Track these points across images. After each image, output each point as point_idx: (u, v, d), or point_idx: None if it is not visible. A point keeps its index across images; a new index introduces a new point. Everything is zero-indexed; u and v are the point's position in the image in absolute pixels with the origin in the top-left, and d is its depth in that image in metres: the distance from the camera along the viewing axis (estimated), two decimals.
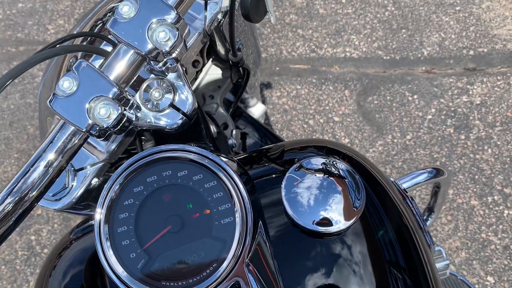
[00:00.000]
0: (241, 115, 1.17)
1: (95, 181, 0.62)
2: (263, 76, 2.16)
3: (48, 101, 0.43)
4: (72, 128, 0.45)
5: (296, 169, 0.50)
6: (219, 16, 0.63)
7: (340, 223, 0.46)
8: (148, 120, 0.54)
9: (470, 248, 1.60)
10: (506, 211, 1.66)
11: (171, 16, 0.45)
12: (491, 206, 1.68)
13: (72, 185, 0.61)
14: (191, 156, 0.45)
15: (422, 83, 2.10)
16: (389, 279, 0.48)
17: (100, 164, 0.62)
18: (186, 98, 0.55)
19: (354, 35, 2.32)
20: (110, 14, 0.75)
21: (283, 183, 0.50)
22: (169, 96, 0.54)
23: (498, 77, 2.13)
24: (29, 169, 0.43)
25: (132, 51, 0.46)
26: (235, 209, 0.43)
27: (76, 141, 0.45)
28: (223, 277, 0.41)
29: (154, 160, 0.45)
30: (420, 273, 0.51)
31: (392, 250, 0.50)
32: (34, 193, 0.43)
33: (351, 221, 0.46)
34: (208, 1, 0.60)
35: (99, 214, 0.43)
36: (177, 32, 0.46)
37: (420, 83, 2.09)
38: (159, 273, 0.42)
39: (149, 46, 0.46)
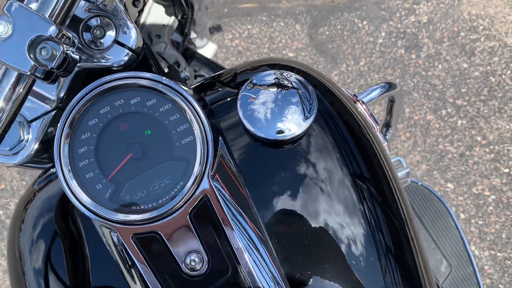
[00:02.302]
0: (194, 56, 1.14)
1: (51, 130, 0.61)
2: (213, 19, 2.11)
3: None
4: (16, 73, 0.43)
5: (249, 87, 0.51)
6: None
7: (295, 129, 0.47)
8: (95, 60, 0.52)
9: (430, 160, 1.68)
10: (459, 121, 1.75)
11: None
12: (445, 118, 1.76)
13: (28, 138, 0.60)
14: (142, 82, 0.45)
15: (370, 8, 2.11)
16: (347, 174, 0.50)
17: (53, 113, 0.61)
18: (129, 33, 0.53)
19: None
20: None
21: (238, 102, 0.50)
22: (112, 33, 0.52)
23: None
24: None
25: None
26: (194, 127, 0.44)
27: (22, 88, 0.44)
28: (190, 194, 0.42)
29: (105, 90, 0.45)
30: (379, 169, 0.54)
31: (350, 151, 0.52)
32: None
33: (306, 126, 0.47)
34: None
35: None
36: None
37: (368, 9, 2.10)
38: (128, 199, 0.42)
39: None
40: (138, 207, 0.42)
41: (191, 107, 0.45)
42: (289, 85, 0.50)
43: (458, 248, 1.02)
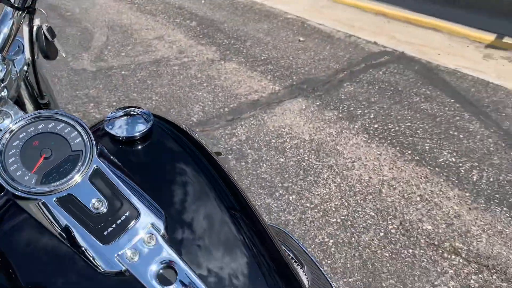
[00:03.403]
0: None
1: None
2: None
3: None
4: None
5: (109, 117, 0.80)
6: (25, 68, 0.90)
7: (138, 132, 0.77)
8: None
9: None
10: (290, 197, 2.19)
11: None
12: (279, 197, 2.19)
13: None
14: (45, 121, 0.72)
15: (203, 140, 2.60)
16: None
17: None
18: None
19: None
20: None
21: (105, 123, 0.77)
22: None
23: (251, 119, 2.80)
24: None
25: None
26: (81, 134, 0.70)
27: None
28: (86, 165, 0.66)
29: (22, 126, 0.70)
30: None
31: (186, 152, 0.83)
32: None
33: (147, 128, 0.77)
34: (15, 58, 0.87)
35: None
36: None
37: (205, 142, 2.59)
38: (49, 180, 0.64)
39: None
40: (55, 182, 0.65)
41: (78, 124, 0.72)
42: (133, 112, 0.81)
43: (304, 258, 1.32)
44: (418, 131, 2.65)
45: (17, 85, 0.84)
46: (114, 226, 0.62)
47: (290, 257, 0.97)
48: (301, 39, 3.93)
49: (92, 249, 0.60)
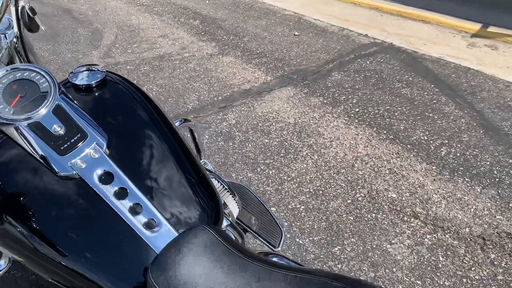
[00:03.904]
0: None
1: None
2: None
3: None
4: None
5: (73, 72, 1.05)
6: (14, 40, 1.17)
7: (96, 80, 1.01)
8: None
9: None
10: (270, 172, 2.41)
11: None
12: (260, 172, 2.41)
13: None
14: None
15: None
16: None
17: None
18: None
19: None
20: None
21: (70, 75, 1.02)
22: None
23: (242, 106, 3.04)
24: None
25: None
26: (48, 80, 0.94)
27: None
28: (50, 102, 0.90)
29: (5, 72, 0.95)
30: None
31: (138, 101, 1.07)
32: None
33: (100, 79, 1.01)
34: (6, 32, 1.13)
35: None
36: None
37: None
38: (23, 112, 0.88)
39: None
40: (27, 113, 0.90)
41: (46, 74, 0.97)
42: (91, 68, 1.06)
43: (259, 207, 1.54)
44: (396, 114, 2.84)
45: (9, 53, 1.10)
46: (68, 143, 0.86)
47: (223, 187, 1.19)
48: (296, 33, 4.16)
49: (52, 159, 0.84)
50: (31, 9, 1.09)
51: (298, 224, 2.06)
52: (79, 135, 0.88)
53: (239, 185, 1.61)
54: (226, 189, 1.19)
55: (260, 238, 1.44)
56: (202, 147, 1.61)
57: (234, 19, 4.60)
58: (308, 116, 2.88)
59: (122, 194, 0.84)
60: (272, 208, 2.16)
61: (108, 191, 0.83)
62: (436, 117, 2.78)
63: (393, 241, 1.95)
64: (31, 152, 0.86)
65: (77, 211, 0.82)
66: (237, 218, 1.47)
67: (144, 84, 3.37)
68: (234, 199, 1.19)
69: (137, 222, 0.82)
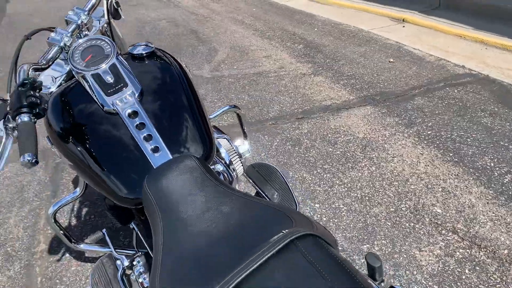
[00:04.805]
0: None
1: None
2: None
3: None
4: None
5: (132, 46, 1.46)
6: (105, 25, 1.62)
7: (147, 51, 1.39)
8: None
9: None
10: (325, 175, 2.60)
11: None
12: (318, 175, 2.61)
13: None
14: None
15: (269, 130, 3.18)
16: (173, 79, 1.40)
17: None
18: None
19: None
20: None
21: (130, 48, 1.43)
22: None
23: (317, 118, 3.28)
24: None
25: None
26: (111, 47, 1.35)
27: None
28: (109, 61, 1.29)
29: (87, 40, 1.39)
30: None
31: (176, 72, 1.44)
32: None
33: (152, 49, 1.40)
34: (100, 19, 1.60)
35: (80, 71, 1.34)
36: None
37: (268, 131, 3.17)
38: (90, 66, 1.30)
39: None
40: (93, 67, 1.30)
41: (111, 44, 1.38)
42: (145, 44, 1.45)
43: (283, 186, 1.78)
44: (468, 140, 2.82)
45: (100, 34, 1.56)
46: (114, 89, 1.24)
47: (233, 149, 1.48)
48: (391, 60, 4.27)
49: (101, 98, 1.23)
50: (117, 2, 1.54)
51: (336, 221, 2.23)
52: (122, 85, 1.25)
53: (272, 167, 1.88)
54: (235, 151, 1.47)
55: None
56: (248, 131, 1.90)
57: (335, 45, 4.88)
58: (379, 133, 3.00)
59: (140, 127, 1.18)
60: (315, 205, 2.35)
61: (132, 124, 1.19)
62: (510, 146, 2.69)
63: (423, 249, 2.00)
64: (90, 93, 1.25)
65: (110, 134, 1.19)
66: (260, 189, 1.74)
67: (238, 94, 3.81)
68: (240, 161, 1.46)
69: (147, 146, 1.15)
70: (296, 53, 4.74)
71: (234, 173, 1.43)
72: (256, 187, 1.78)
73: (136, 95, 1.24)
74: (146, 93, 1.27)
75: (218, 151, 1.44)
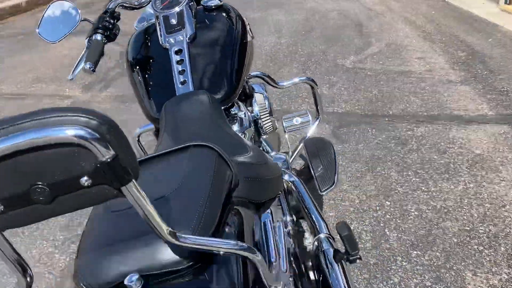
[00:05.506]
0: None
1: None
2: None
3: None
4: None
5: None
6: None
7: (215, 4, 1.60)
8: None
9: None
10: (412, 178, 2.47)
11: None
12: (406, 178, 2.50)
13: None
14: None
15: (380, 125, 3.11)
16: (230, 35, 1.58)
17: None
18: None
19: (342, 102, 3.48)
20: None
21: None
22: None
23: (439, 126, 3.07)
24: None
25: None
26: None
27: None
28: (180, 7, 1.56)
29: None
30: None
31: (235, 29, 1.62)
32: None
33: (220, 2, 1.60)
34: None
35: None
36: None
37: (378, 126, 3.10)
38: (166, 8, 1.59)
39: None
40: (167, 9, 1.57)
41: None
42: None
43: (331, 162, 1.82)
44: None
45: None
46: (174, 29, 1.48)
47: (269, 108, 1.60)
48: None
49: (163, 34, 1.49)
50: None
51: (399, 222, 2.14)
52: (180, 27, 1.49)
53: (330, 145, 1.93)
54: (266, 108, 1.59)
55: (314, 177, 1.76)
56: (321, 105, 1.98)
57: (504, 59, 4.34)
58: (500, 154, 2.68)
59: (180, 62, 1.42)
60: (386, 202, 2.29)
61: (175, 59, 1.43)
62: None
63: (478, 274, 1.81)
64: (157, 30, 1.52)
65: (157, 65, 1.46)
66: (309, 160, 1.84)
67: (369, 87, 3.78)
68: (269, 118, 1.58)
69: (178, 79, 1.39)
70: (454, 60, 4.39)
71: (262, 129, 1.57)
72: (307, 156, 1.86)
73: (187, 37, 1.46)
74: (196, 38, 1.48)
75: (250, 101, 1.59)
